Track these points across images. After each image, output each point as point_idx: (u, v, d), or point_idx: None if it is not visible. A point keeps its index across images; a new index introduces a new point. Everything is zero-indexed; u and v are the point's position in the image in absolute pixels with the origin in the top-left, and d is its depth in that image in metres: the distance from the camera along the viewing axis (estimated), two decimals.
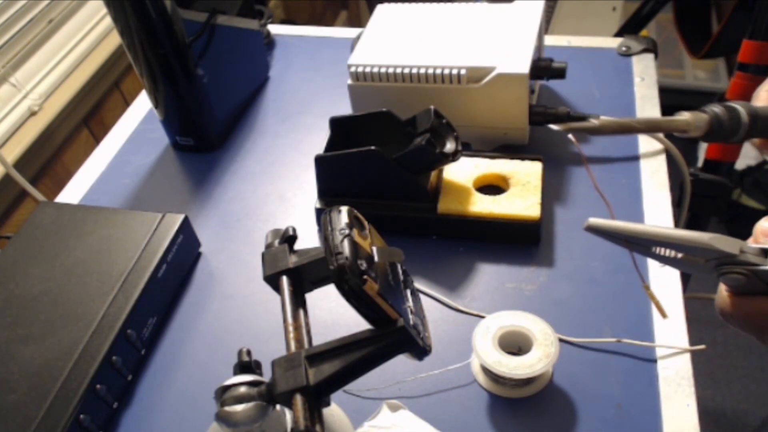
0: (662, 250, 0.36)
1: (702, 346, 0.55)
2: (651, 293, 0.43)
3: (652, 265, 0.64)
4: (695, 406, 0.53)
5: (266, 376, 0.41)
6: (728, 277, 0.34)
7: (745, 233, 0.37)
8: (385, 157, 0.64)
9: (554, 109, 0.74)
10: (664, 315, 0.43)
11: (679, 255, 0.36)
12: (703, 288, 1.39)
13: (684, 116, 0.45)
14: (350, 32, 0.99)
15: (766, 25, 0.88)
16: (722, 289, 0.35)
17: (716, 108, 0.44)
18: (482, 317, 0.60)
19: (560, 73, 0.74)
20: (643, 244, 0.37)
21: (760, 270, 0.32)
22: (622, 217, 0.69)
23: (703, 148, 1.87)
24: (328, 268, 0.37)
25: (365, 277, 0.36)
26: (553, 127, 0.46)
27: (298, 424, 0.36)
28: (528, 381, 0.55)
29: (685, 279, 0.64)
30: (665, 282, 0.62)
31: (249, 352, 0.44)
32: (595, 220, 0.38)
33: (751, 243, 0.34)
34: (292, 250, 0.45)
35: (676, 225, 0.68)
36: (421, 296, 0.50)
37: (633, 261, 0.43)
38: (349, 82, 0.76)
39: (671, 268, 0.38)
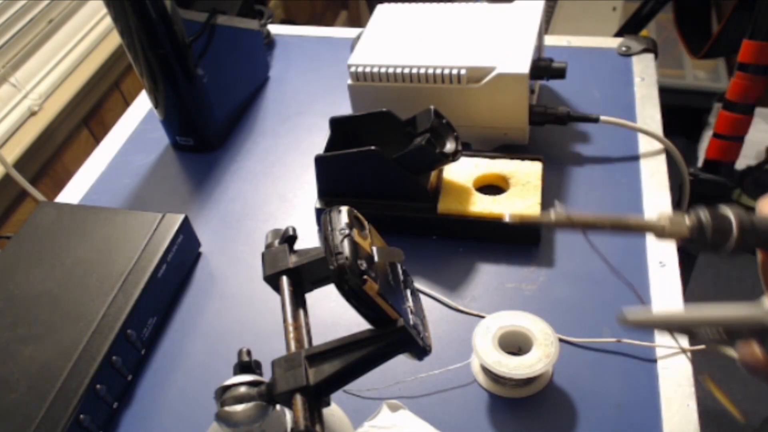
0: (707, 329, 0.34)
1: (702, 346, 0.55)
2: (712, 384, 0.41)
3: (653, 266, 0.64)
4: (695, 406, 0.53)
5: (266, 376, 0.41)
6: None
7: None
8: (385, 157, 0.64)
9: (554, 109, 0.74)
10: (741, 419, 0.40)
11: (722, 331, 0.34)
12: (704, 289, 1.39)
13: (661, 219, 0.40)
14: (350, 32, 0.99)
15: (766, 25, 0.88)
16: (752, 345, 0.34)
17: (702, 214, 0.38)
18: (482, 317, 0.60)
19: (560, 73, 0.74)
20: (684, 329, 0.35)
21: None
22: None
23: (703, 148, 1.87)
24: (328, 268, 0.37)
25: (365, 277, 0.36)
26: (506, 219, 0.42)
27: (298, 424, 0.36)
28: (528, 381, 0.54)
29: (685, 280, 0.64)
30: (665, 283, 0.62)
31: (249, 352, 0.44)
32: (632, 315, 0.35)
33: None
34: (292, 250, 0.45)
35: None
36: (421, 296, 0.50)
37: (685, 354, 0.38)
38: (349, 82, 0.76)
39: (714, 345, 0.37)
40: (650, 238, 0.66)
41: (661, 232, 0.38)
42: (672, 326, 0.36)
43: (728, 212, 0.37)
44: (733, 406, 0.45)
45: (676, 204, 0.76)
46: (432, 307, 0.63)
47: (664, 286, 0.61)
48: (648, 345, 0.57)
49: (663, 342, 0.58)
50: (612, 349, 0.58)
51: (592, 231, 0.39)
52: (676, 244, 0.38)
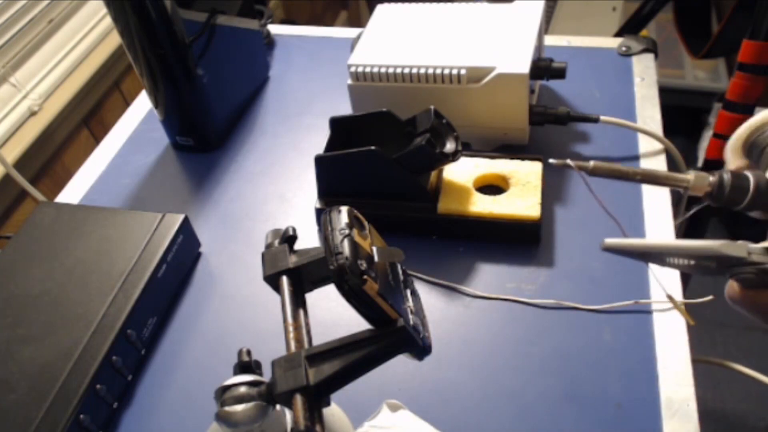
0: (676, 259, 0.40)
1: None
2: (675, 303, 0.44)
3: (653, 265, 0.63)
4: (695, 406, 0.53)
5: (266, 376, 0.41)
6: (739, 277, 0.38)
7: (744, 233, 0.40)
8: (385, 157, 0.64)
9: (554, 109, 0.74)
10: (691, 322, 0.44)
11: (692, 262, 0.40)
12: (704, 289, 1.39)
13: (688, 175, 0.44)
14: (350, 32, 0.99)
15: (766, 25, 0.88)
16: (732, 281, 0.39)
17: (725, 174, 0.43)
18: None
19: (560, 73, 0.74)
20: (658, 257, 0.41)
21: (765, 268, 0.37)
22: (622, 218, 0.68)
23: (703, 148, 1.87)
24: (328, 268, 0.37)
25: (365, 277, 0.36)
26: (551, 161, 0.46)
27: (298, 424, 0.36)
28: None
29: (685, 280, 0.64)
30: (665, 283, 0.62)
31: (249, 352, 0.44)
32: (610, 241, 0.42)
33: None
34: (292, 250, 0.45)
35: (676, 225, 0.68)
36: (422, 296, 0.50)
37: (654, 276, 0.44)
38: (349, 82, 0.76)
39: (684, 272, 0.42)
40: (650, 239, 0.66)
41: (686, 185, 0.44)
42: (646, 253, 0.41)
43: (749, 173, 0.42)
44: (689, 316, 0.49)
45: (676, 204, 0.77)
46: (432, 306, 0.63)
47: (664, 286, 0.61)
48: (648, 344, 0.57)
49: (663, 342, 0.58)
50: (612, 349, 0.58)
51: (623, 180, 0.44)
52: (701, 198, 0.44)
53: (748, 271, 0.38)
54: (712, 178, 0.43)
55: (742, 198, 0.42)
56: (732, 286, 0.39)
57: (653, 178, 0.45)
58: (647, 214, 0.68)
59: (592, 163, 0.44)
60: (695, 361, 0.55)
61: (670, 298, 0.47)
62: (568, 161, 0.44)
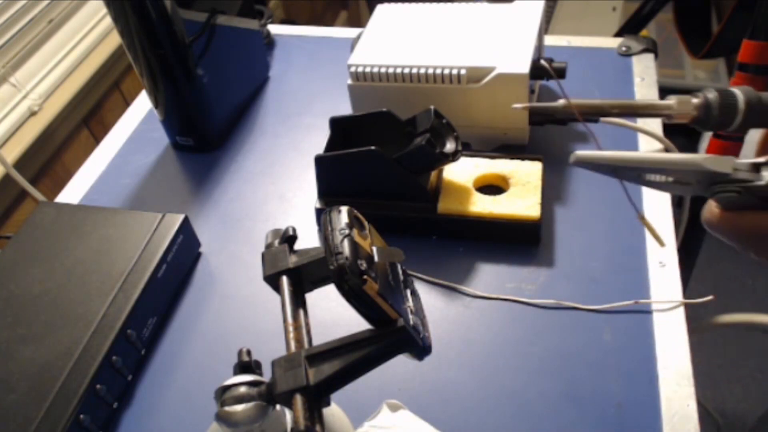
0: (653, 176, 0.35)
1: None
2: (646, 222, 0.40)
3: (653, 266, 0.64)
4: (695, 406, 0.53)
5: (266, 376, 0.41)
6: (721, 195, 0.33)
7: None
8: (385, 157, 0.64)
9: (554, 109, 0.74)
10: (661, 243, 0.39)
11: (670, 179, 0.35)
12: (704, 289, 1.39)
13: (669, 100, 0.40)
14: (350, 32, 0.99)
15: (766, 25, 0.88)
16: (711, 202, 0.35)
17: (710, 93, 0.38)
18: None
19: (560, 73, 0.74)
20: (633, 172, 0.36)
21: (753, 186, 0.32)
22: (622, 218, 0.69)
23: (703, 147, 1.87)
24: (328, 268, 0.37)
25: (365, 277, 0.36)
26: (516, 106, 0.42)
27: (298, 424, 0.36)
28: None
29: (685, 280, 0.64)
30: (666, 283, 0.62)
31: (249, 352, 0.44)
32: (581, 153, 0.36)
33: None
34: (292, 250, 0.45)
35: (677, 226, 0.68)
36: (422, 296, 0.50)
37: (626, 193, 0.39)
38: (349, 82, 0.76)
39: (663, 192, 0.37)
40: (650, 238, 0.66)
41: (669, 113, 0.39)
42: (620, 166, 0.36)
43: (735, 90, 0.37)
44: (659, 238, 0.45)
45: (677, 204, 0.77)
46: (432, 306, 0.63)
47: (664, 286, 0.62)
48: (648, 344, 0.57)
49: (663, 342, 0.58)
50: (612, 349, 0.58)
51: (604, 116, 0.40)
52: (686, 122, 0.39)
53: (731, 189, 0.33)
54: (696, 101, 0.38)
55: (732, 117, 0.37)
56: (710, 209, 0.35)
57: (633, 109, 0.41)
58: (647, 214, 0.68)
59: (561, 101, 0.40)
60: (687, 303, 0.51)
61: (641, 217, 0.42)
62: (530, 104, 0.40)
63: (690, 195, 0.35)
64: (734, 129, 0.38)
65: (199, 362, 0.62)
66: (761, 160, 0.32)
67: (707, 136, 1.48)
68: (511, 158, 0.71)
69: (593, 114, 0.39)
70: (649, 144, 0.76)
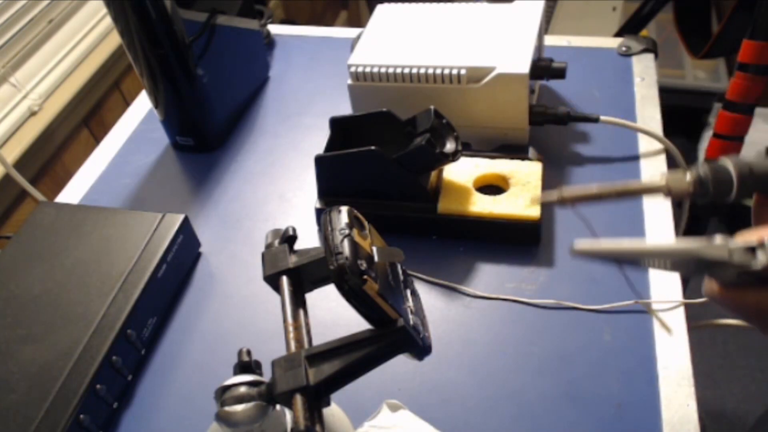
0: (652, 261, 0.37)
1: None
2: (651, 310, 0.42)
3: (652, 271, 0.63)
4: (695, 406, 0.53)
5: (266, 376, 0.41)
6: (721, 279, 0.35)
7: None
8: (385, 157, 0.64)
9: (554, 109, 0.74)
10: (668, 331, 0.41)
11: (668, 263, 0.37)
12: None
13: (662, 179, 0.41)
14: (350, 32, 0.99)
15: (766, 25, 0.88)
16: (711, 280, 0.36)
17: (701, 168, 0.39)
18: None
19: (560, 73, 0.74)
20: (632, 260, 0.38)
21: (750, 270, 0.33)
22: (622, 218, 0.69)
23: (703, 148, 1.87)
24: (328, 268, 0.37)
25: (365, 277, 0.36)
26: (535, 199, 0.43)
27: (298, 424, 0.36)
28: None
29: (685, 281, 0.64)
30: (665, 283, 0.62)
31: (249, 352, 0.44)
32: (581, 245, 0.38)
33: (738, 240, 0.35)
34: (292, 250, 0.45)
35: (677, 225, 0.68)
36: (422, 296, 0.50)
37: (626, 280, 0.41)
38: (349, 82, 0.76)
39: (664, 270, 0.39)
40: (650, 238, 0.66)
41: (666, 192, 0.40)
42: (620, 256, 0.37)
43: (727, 162, 0.38)
44: (665, 325, 0.46)
45: (677, 205, 0.77)
46: (432, 306, 0.63)
47: (664, 286, 0.61)
48: (648, 344, 0.57)
49: (663, 341, 0.58)
50: (612, 349, 0.58)
51: (599, 202, 0.41)
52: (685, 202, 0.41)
53: (730, 273, 0.34)
54: (689, 177, 0.39)
55: (728, 192, 0.39)
56: (711, 285, 0.36)
57: (627, 192, 0.41)
58: (647, 214, 0.68)
59: (561, 191, 0.41)
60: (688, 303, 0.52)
61: (646, 304, 0.44)
62: (535, 197, 0.41)
63: (687, 274, 0.36)
64: (734, 200, 0.40)
65: (199, 362, 0.62)
66: (754, 242, 0.33)
67: (707, 136, 1.48)
68: (511, 158, 0.71)
69: (587, 202, 0.41)
70: (649, 144, 0.76)
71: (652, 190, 0.41)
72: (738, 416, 1.45)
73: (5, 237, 0.76)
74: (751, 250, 0.34)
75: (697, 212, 1.07)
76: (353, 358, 0.38)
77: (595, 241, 0.37)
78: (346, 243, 0.37)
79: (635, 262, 0.38)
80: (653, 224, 0.67)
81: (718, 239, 0.34)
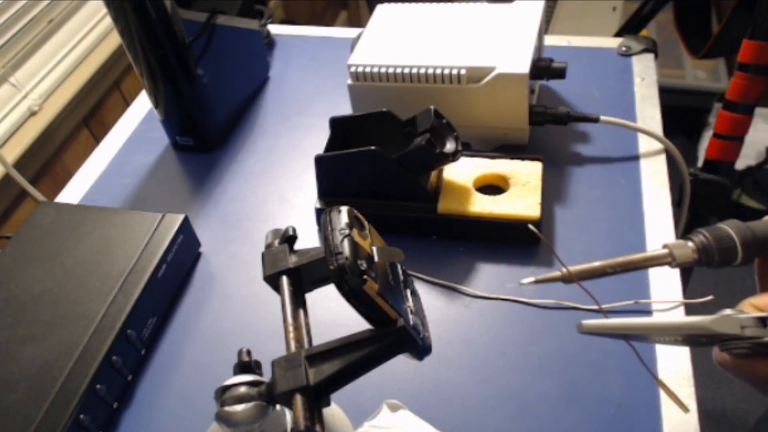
0: (662, 337, 0.37)
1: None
2: (664, 386, 0.41)
3: (653, 268, 0.63)
4: (695, 406, 0.53)
5: (266, 376, 0.41)
6: (733, 352, 0.35)
7: None
8: (385, 157, 0.64)
9: (554, 109, 0.74)
10: (684, 409, 0.41)
11: (679, 338, 0.37)
12: (704, 289, 1.39)
13: (665, 250, 0.40)
14: (350, 32, 0.99)
15: (766, 25, 0.88)
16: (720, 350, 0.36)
17: (703, 236, 0.39)
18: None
19: (560, 73, 0.74)
20: (641, 336, 0.37)
21: (763, 342, 0.34)
22: (622, 218, 0.69)
23: (703, 148, 1.87)
24: (328, 268, 0.37)
25: (365, 277, 0.36)
26: (523, 281, 0.42)
27: (298, 424, 0.36)
28: None
29: (685, 280, 0.64)
30: (665, 283, 0.62)
31: (249, 352, 0.44)
32: (588, 323, 0.37)
33: (747, 309, 0.35)
34: (292, 250, 0.45)
35: (676, 225, 0.68)
36: (422, 296, 0.50)
37: (638, 356, 0.41)
38: (349, 82, 0.76)
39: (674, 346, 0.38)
40: (651, 239, 0.66)
41: (670, 263, 0.40)
42: (628, 333, 0.37)
43: (729, 230, 0.38)
44: (681, 403, 0.45)
45: (677, 204, 0.76)
46: (432, 306, 0.63)
47: (664, 286, 0.62)
48: (648, 344, 0.57)
49: (664, 350, 0.58)
50: (612, 349, 0.58)
51: (604, 277, 0.40)
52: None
53: (742, 346, 0.34)
54: (691, 244, 0.39)
55: (733, 258, 0.39)
56: (722, 355, 0.36)
57: (632, 265, 0.41)
58: (647, 213, 0.68)
59: (565, 270, 0.40)
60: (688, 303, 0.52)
61: (660, 382, 0.43)
62: (538, 278, 0.40)
63: (701, 347, 0.36)
64: (739, 265, 0.40)
65: (199, 362, 0.62)
66: (766, 314, 0.34)
67: (707, 136, 1.48)
68: (511, 158, 0.71)
69: (592, 278, 0.41)
70: (649, 144, 0.76)
71: (656, 261, 0.41)
72: (738, 416, 1.45)
73: (5, 237, 0.76)
74: (762, 321, 0.34)
75: (697, 212, 1.07)
76: (353, 358, 0.38)
77: (603, 320, 0.37)
78: (346, 243, 0.37)
79: (644, 338, 0.37)
80: (653, 225, 0.67)
81: (727, 312, 0.35)
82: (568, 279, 0.40)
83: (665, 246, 0.40)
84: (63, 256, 0.65)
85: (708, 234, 0.39)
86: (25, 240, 0.67)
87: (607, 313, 0.45)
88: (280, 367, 0.39)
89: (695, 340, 0.36)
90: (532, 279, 0.41)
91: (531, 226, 0.41)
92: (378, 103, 0.71)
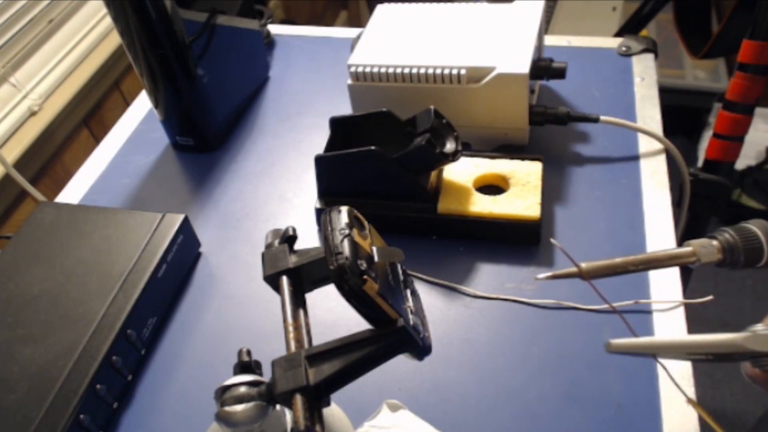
0: (691, 354, 0.37)
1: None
2: (701, 409, 0.40)
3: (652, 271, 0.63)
4: None
5: (266, 376, 0.41)
6: (766, 368, 0.35)
7: None
8: (385, 157, 0.64)
9: (554, 109, 0.74)
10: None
11: (711, 355, 0.36)
12: (704, 289, 1.39)
13: (689, 248, 0.39)
14: (350, 32, 0.99)
15: (766, 25, 0.88)
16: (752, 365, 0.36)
17: (729, 235, 0.38)
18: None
19: (560, 73, 0.74)
20: (672, 354, 0.37)
21: None
22: (621, 218, 0.69)
23: (703, 148, 1.87)
24: (328, 268, 0.37)
25: (365, 277, 0.36)
26: (539, 276, 0.41)
27: (298, 424, 0.36)
28: None
29: (686, 280, 0.64)
30: (665, 283, 0.62)
31: (249, 352, 0.44)
32: (617, 343, 0.37)
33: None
34: (292, 250, 0.45)
35: (676, 225, 0.68)
36: (422, 296, 0.50)
37: (668, 375, 0.40)
38: (349, 82, 0.76)
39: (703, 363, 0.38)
40: (651, 238, 0.66)
41: (693, 259, 0.39)
42: (658, 352, 0.37)
43: (755, 230, 0.38)
44: (720, 427, 0.44)
45: (677, 204, 0.76)
46: (432, 306, 0.63)
47: (664, 287, 0.61)
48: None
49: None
50: (612, 349, 0.58)
51: (622, 274, 0.39)
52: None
53: None
54: (716, 244, 0.38)
55: (759, 258, 0.38)
56: (753, 370, 0.36)
57: (655, 263, 0.39)
58: (647, 213, 0.68)
59: (584, 265, 0.39)
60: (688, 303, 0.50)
61: (694, 403, 0.42)
62: (554, 273, 0.39)
63: (731, 362, 0.36)
64: (761, 266, 0.39)
65: (199, 362, 0.62)
66: None
67: (707, 136, 1.48)
68: (511, 158, 0.71)
69: (610, 275, 0.39)
70: (649, 144, 0.76)
71: (680, 260, 0.39)
72: (738, 416, 1.45)
73: (5, 237, 0.76)
74: None
75: (697, 212, 1.07)
76: (353, 358, 0.38)
77: (632, 339, 0.37)
78: (346, 243, 0.37)
79: (675, 356, 0.37)
80: (653, 225, 0.67)
81: (758, 327, 0.34)
82: (584, 275, 0.39)
83: (688, 244, 0.39)
84: (63, 256, 0.65)
85: (734, 233, 0.38)
86: (25, 240, 0.67)
87: (620, 313, 0.44)
88: (280, 367, 0.39)
89: (726, 357, 0.36)
90: (549, 274, 0.40)
91: (553, 240, 0.40)
92: (378, 103, 0.71)
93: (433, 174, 0.69)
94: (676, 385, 0.41)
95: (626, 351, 0.37)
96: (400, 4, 0.84)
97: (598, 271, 0.39)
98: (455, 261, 0.67)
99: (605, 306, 0.61)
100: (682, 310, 0.60)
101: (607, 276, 0.39)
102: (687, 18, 1.39)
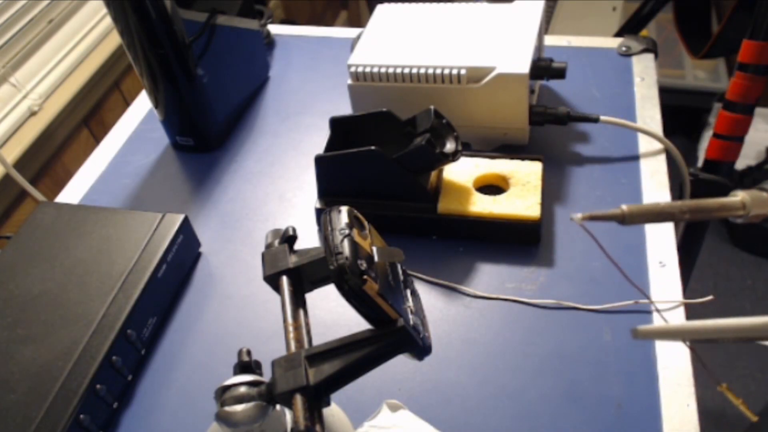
0: (725, 337, 0.35)
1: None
2: (730, 393, 0.39)
3: (653, 266, 0.64)
4: (695, 406, 0.53)
5: (266, 376, 0.41)
6: None
7: (744, 233, 0.37)
8: (385, 157, 0.64)
9: (554, 109, 0.74)
10: (753, 417, 0.39)
11: (746, 338, 0.35)
12: (704, 289, 1.39)
13: (738, 197, 0.37)
14: (350, 32, 0.99)
15: (766, 25, 0.88)
16: None
17: None
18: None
19: (560, 73, 0.74)
20: (705, 338, 0.35)
21: None
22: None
23: (703, 148, 1.87)
24: (328, 268, 0.37)
25: (365, 277, 0.36)
26: (574, 219, 0.37)
27: (298, 424, 0.36)
28: None
29: (685, 280, 0.64)
30: (666, 283, 0.62)
31: (249, 352, 0.44)
32: (644, 329, 0.35)
33: None
34: (292, 250, 0.45)
35: (677, 225, 0.68)
36: (422, 296, 0.50)
37: (699, 359, 0.38)
38: (349, 82, 0.76)
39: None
40: (651, 238, 0.66)
41: (742, 209, 0.37)
42: (691, 336, 0.35)
43: None
44: (748, 409, 0.42)
45: (677, 197, 0.76)
46: (432, 306, 0.63)
47: (664, 286, 0.62)
48: (648, 344, 0.57)
49: (662, 344, 0.58)
50: (612, 349, 0.58)
51: (666, 221, 0.37)
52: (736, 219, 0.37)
53: None
54: (766, 195, 0.36)
55: None
56: None
57: (704, 211, 0.37)
58: None
59: (625, 207, 0.36)
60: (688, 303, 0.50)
61: (725, 388, 0.41)
62: (593, 213, 0.36)
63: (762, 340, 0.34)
64: None
65: (199, 362, 0.62)
66: None
67: (707, 136, 1.48)
68: (511, 158, 0.71)
69: (653, 221, 0.37)
70: (649, 144, 0.76)
71: (728, 211, 0.37)
72: (738, 416, 1.45)
73: (5, 237, 0.76)
74: None
75: None
76: (353, 358, 0.38)
77: (661, 325, 0.35)
78: (346, 243, 0.37)
79: (708, 340, 0.35)
80: (653, 225, 0.67)
81: None
82: (625, 219, 0.36)
83: (735, 194, 0.37)
84: (63, 256, 0.65)
85: None
86: (25, 240, 0.67)
87: (660, 311, 0.43)
88: (280, 367, 0.39)
89: (764, 338, 0.34)
90: (587, 214, 0.36)
91: (572, 216, 0.37)
92: (378, 103, 0.71)
93: (433, 174, 0.69)
94: (706, 369, 0.39)
95: (655, 336, 0.35)
96: (400, 4, 0.84)
97: (641, 215, 0.36)
98: (455, 261, 0.67)
99: (605, 306, 0.61)
100: (682, 310, 0.60)
101: (650, 222, 0.37)
102: (687, 18, 1.39)
